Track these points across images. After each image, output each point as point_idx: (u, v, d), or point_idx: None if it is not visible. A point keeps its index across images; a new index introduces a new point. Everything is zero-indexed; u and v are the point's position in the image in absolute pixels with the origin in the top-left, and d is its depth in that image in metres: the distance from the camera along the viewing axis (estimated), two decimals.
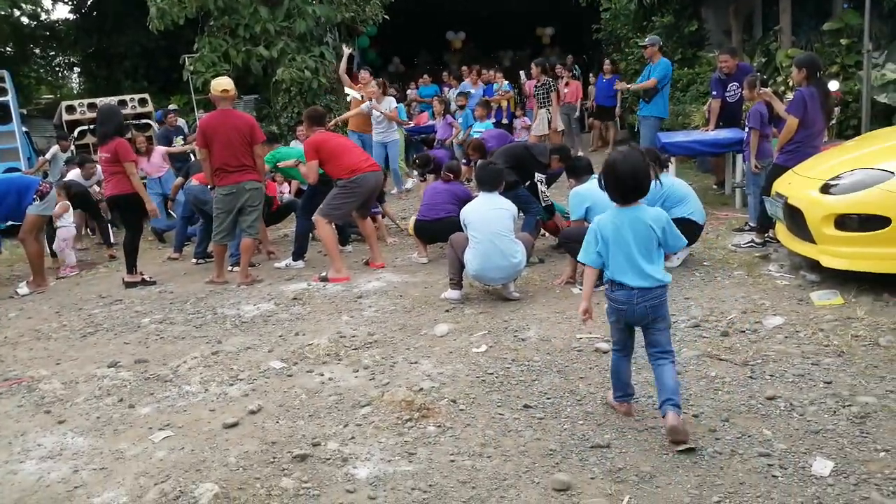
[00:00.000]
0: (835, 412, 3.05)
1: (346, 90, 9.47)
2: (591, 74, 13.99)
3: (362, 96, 9.30)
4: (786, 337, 3.92)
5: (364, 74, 9.76)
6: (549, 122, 10.92)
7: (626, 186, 3.04)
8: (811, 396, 3.20)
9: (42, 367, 4.45)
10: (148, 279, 6.52)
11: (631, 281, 2.96)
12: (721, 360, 3.68)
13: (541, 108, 10.88)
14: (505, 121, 11.83)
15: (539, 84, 10.66)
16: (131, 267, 6.52)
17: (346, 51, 9.97)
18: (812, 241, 4.68)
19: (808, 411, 3.08)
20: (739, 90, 7.52)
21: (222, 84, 6.18)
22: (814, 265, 4.80)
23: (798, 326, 4.05)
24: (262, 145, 6.26)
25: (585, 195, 5.13)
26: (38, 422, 3.63)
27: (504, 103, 12.31)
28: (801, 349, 3.74)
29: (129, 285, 6.43)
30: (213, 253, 6.54)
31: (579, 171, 5.49)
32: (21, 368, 4.48)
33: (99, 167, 7.63)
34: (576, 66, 14.08)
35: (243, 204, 6.11)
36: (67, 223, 7.78)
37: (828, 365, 3.52)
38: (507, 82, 13.03)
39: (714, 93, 7.91)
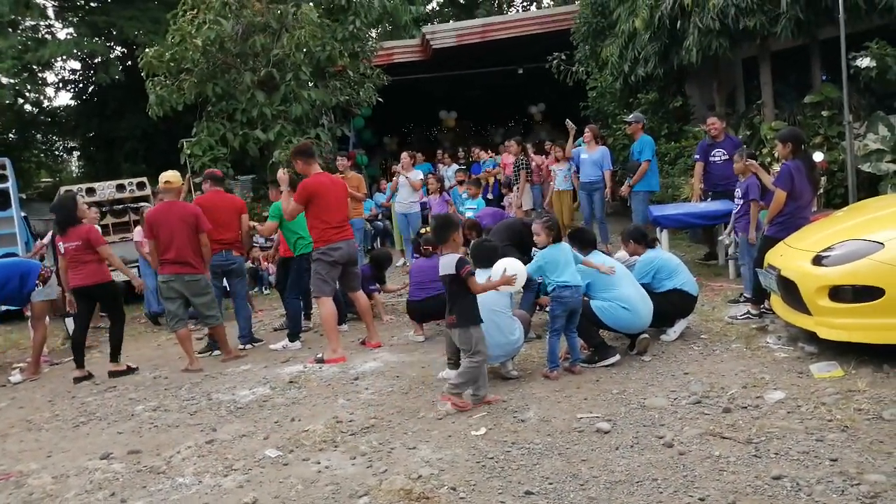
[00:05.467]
0: (843, 492, 2.98)
1: None
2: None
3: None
4: (788, 412, 3.88)
5: (341, 162, 10.00)
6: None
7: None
8: (818, 475, 3.14)
9: (32, 461, 4.34)
10: (132, 366, 6.40)
11: None
12: (724, 438, 3.63)
13: (514, 184, 11.05)
14: (490, 196, 12.02)
15: (515, 161, 10.87)
16: (116, 356, 6.39)
17: None
18: (808, 312, 4.69)
19: (816, 491, 3.01)
20: (725, 156, 7.72)
21: (165, 176, 6.37)
22: (811, 336, 4.79)
23: (800, 401, 4.01)
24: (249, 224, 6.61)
25: (586, 271, 5.16)
26: None
27: (491, 180, 12.55)
28: (805, 424, 3.69)
29: (114, 375, 6.26)
30: (178, 339, 6.40)
31: (584, 242, 5.40)
32: (10, 462, 4.38)
33: None
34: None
35: (186, 293, 6.25)
36: None
37: (832, 441, 3.46)
38: (491, 159, 13.38)
39: (696, 156, 8.12)
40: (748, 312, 5.83)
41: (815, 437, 3.51)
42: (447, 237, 4.59)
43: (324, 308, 6.02)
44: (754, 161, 6.30)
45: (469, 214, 9.28)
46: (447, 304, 4.51)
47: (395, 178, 10.64)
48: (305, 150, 6.34)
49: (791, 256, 5.01)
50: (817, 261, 4.66)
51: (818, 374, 4.38)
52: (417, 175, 10.41)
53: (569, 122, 10.08)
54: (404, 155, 10.58)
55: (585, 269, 5.16)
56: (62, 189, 10.97)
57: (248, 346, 6.83)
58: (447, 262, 4.45)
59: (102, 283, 6.31)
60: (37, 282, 6.66)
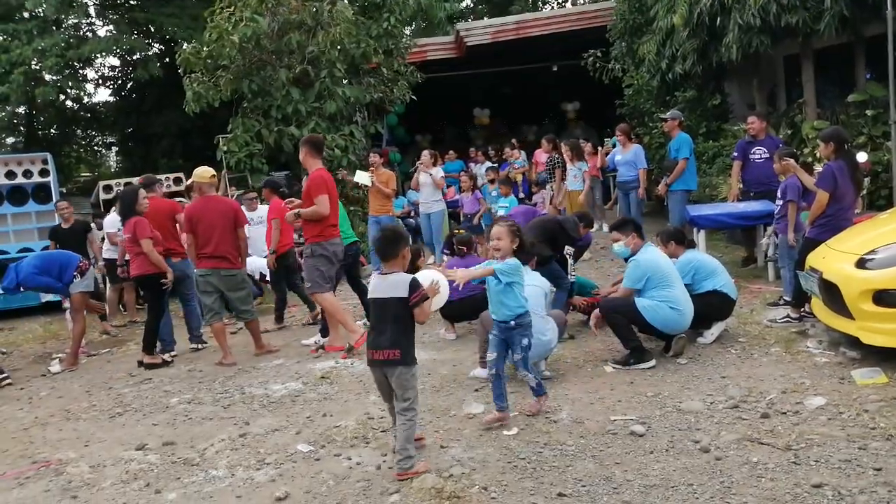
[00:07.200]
0: (888, 503, 2.89)
1: (357, 176, 9.62)
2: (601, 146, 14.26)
3: (373, 181, 9.49)
4: (829, 419, 3.78)
5: (373, 157, 9.89)
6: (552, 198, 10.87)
7: None
8: (860, 484, 3.05)
9: (70, 450, 4.44)
10: (167, 359, 6.50)
11: None
12: (763, 444, 3.55)
13: (548, 182, 10.99)
14: (521, 195, 11.96)
15: (548, 159, 10.80)
16: (151, 348, 6.48)
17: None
18: (850, 316, 4.56)
19: (859, 501, 2.92)
20: (766, 155, 7.51)
21: (210, 171, 6.46)
22: (853, 341, 4.66)
23: (841, 407, 3.90)
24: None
25: (647, 268, 5.08)
26: None
27: (519, 177, 12.47)
28: (846, 432, 3.59)
29: (149, 367, 6.35)
30: (213, 332, 6.51)
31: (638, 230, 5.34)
32: (50, 450, 4.48)
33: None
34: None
35: (223, 288, 6.32)
36: None
37: (876, 449, 3.36)
38: (521, 157, 13.31)
39: (735, 154, 7.94)
40: (788, 316, 5.70)
41: (858, 446, 3.41)
42: (395, 253, 3.77)
43: (326, 302, 6.06)
44: (793, 161, 6.15)
45: (501, 213, 9.25)
46: (390, 334, 3.63)
47: (415, 176, 10.44)
48: (317, 142, 6.24)
49: (833, 259, 4.88)
50: (861, 264, 4.54)
51: (861, 380, 4.26)
52: (438, 174, 10.06)
53: (606, 144, 10.07)
54: (425, 153, 10.35)
55: (642, 264, 5.07)
56: (122, 181, 11.26)
57: (201, 347, 6.99)
58: (397, 282, 3.67)
59: (148, 274, 6.43)
60: (75, 273, 6.78)
